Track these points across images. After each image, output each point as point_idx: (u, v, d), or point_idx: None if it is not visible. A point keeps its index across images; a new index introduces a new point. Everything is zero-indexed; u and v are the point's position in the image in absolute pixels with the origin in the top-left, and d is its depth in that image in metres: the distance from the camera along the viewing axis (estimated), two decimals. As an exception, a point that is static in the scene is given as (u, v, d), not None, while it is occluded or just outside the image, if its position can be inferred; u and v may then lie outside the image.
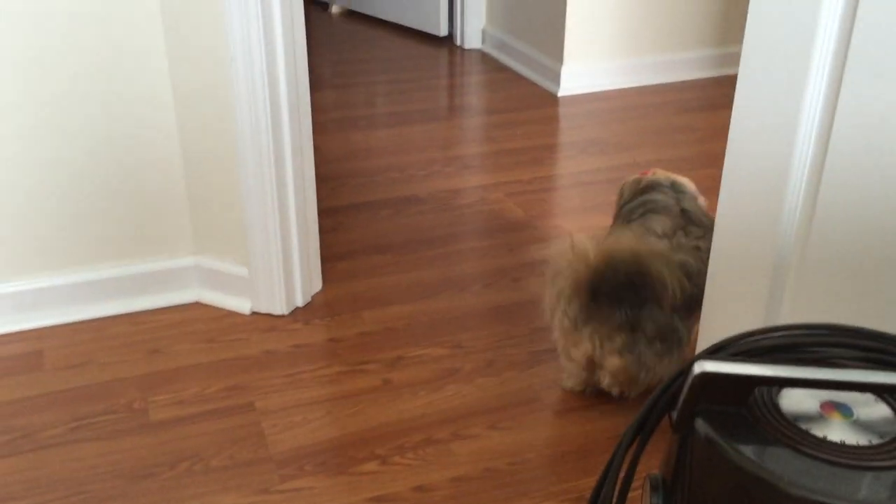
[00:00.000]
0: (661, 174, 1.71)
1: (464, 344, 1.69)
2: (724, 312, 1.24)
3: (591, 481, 1.35)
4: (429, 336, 1.71)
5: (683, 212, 1.55)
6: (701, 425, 0.74)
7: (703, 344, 1.31)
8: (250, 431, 1.47)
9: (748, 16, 1.08)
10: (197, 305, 1.81)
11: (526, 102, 3.01)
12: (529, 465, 1.39)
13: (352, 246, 2.04)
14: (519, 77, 3.26)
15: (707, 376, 0.73)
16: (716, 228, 1.22)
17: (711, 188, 2.35)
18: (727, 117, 2.85)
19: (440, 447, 1.42)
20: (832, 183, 1.02)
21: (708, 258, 1.47)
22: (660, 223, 1.51)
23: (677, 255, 1.44)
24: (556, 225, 2.15)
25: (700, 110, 2.95)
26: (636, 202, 1.62)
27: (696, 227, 1.53)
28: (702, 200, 1.66)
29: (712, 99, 3.05)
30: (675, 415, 0.77)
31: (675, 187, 1.65)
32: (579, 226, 2.13)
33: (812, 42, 1.00)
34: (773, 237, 1.12)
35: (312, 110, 2.83)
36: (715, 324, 1.27)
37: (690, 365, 0.75)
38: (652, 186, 1.66)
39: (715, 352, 0.80)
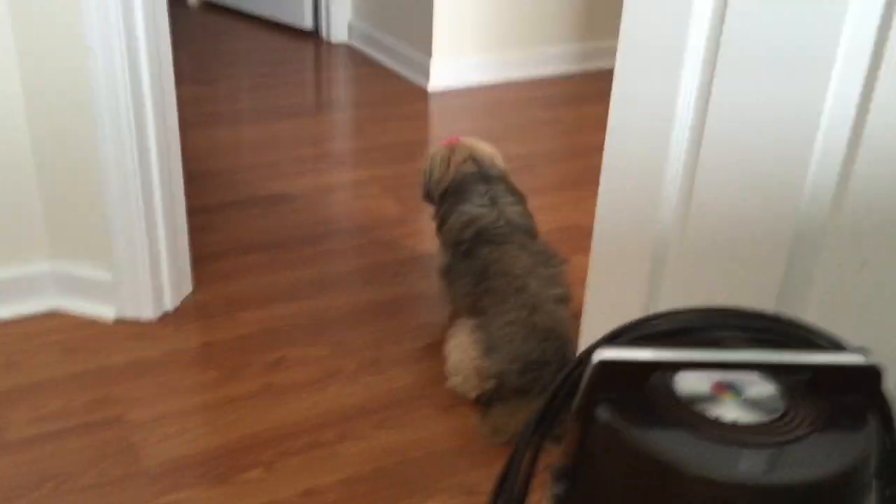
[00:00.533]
0: (466, 147, 1.64)
1: (346, 342, 1.65)
2: (606, 300, 1.27)
3: (479, 475, 1.35)
4: (310, 336, 1.66)
5: (511, 226, 1.54)
6: (601, 412, 0.75)
7: (585, 331, 1.33)
8: (121, 446, 1.38)
9: (623, 7, 1.10)
10: (55, 314, 1.69)
11: (395, 97, 2.99)
12: (418, 463, 1.37)
13: (223, 246, 1.96)
14: (387, 72, 3.23)
15: (606, 364, 0.74)
16: (596, 218, 1.25)
17: (579, 179, 2.41)
18: (591, 111, 2.94)
19: (327, 449, 1.39)
20: (707, 170, 1.06)
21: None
22: (516, 261, 1.49)
23: (554, 291, 1.47)
24: (433, 219, 2.14)
25: (565, 104, 3.03)
26: (465, 234, 1.55)
27: (526, 235, 1.54)
28: (499, 161, 1.66)
29: (577, 93, 3.13)
30: (574, 403, 0.77)
31: (487, 179, 1.60)
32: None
33: (686, 31, 1.03)
34: (652, 225, 1.15)
35: (173, 106, 2.70)
36: (597, 311, 1.29)
37: (589, 353, 0.75)
38: (465, 187, 1.59)
39: (611, 339, 0.80)
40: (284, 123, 2.73)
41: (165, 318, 1.70)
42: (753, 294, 1.03)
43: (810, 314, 0.99)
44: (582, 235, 2.04)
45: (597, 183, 2.52)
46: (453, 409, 1.49)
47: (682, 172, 1.10)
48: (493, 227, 1.53)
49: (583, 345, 1.34)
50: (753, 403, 0.75)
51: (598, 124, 2.97)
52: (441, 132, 2.74)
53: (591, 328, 1.31)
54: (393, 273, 1.89)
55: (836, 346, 0.76)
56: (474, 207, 1.56)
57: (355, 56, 3.40)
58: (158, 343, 1.62)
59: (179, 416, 1.44)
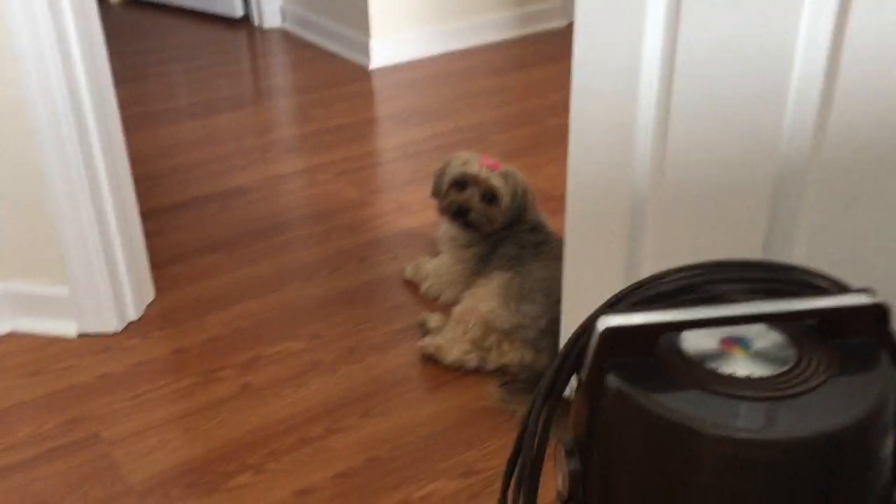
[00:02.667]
0: (498, 176, 1.63)
1: (321, 334, 1.61)
2: (585, 263, 1.25)
3: (475, 454, 1.33)
4: (282, 331, 1.62)
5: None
6: (612, 380, 0.73)
7: (567, 297, 1.31)
8: (101, 465, 1.33)
9: (580, -35, 1.07)
10: (12, 336, 1.61)
11: (337, 79, 2.93)
12: (411, 447, 1.35)
13: (181, 248, 1.90)
14: (326, 54, 3.16)
15: (613, 331, 0.72)
16: (568, 181, 1.22)
17: (533, 146, 2.39)
18: (537, 74, 2.91)
19: (316, 445, 1.35)
20: (680, 119, 1.04)
21: None
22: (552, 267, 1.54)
23: None
24: (393, 199, 2.10)
25: (509, 71, 2.99)
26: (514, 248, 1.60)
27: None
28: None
29: (519, 58, 3.10)
30: (583, 374, 0.75)
31: (533, 224, 1.65)
32: (415, 197, 2.09)
33: (647, -14, 1.01)
34: (627, 182, 1.13)
35: (108, 108, 2.59)
36: (578, 275, 1.27)
37: (593, 322, 0.73)
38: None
39: (612, 305, 0.78)
40: (226, 116, 2.65)
41: (130, 329, 1.63)
42: (739, 243, 1.02)
43: (797, 258, 0.98)
44: (544, 200, 2.02)
45: (552, 147, 2.50)
46: (438, 389, 1.47)
47: (653, 124, 1.08)
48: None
49: (566, 310, 1.32)
50: (763, 356, 0.74)
51: (545, 88, 2.95)
52: (389, 110, 2.69)
53: (573, 293, 1.29)
54: (359, 258, 1.85)
55: (840, 288, 0.75)
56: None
57: (291, 41, 3.32)
58: (126, 355, 1.57)
59: (158, 428, 1.39)
